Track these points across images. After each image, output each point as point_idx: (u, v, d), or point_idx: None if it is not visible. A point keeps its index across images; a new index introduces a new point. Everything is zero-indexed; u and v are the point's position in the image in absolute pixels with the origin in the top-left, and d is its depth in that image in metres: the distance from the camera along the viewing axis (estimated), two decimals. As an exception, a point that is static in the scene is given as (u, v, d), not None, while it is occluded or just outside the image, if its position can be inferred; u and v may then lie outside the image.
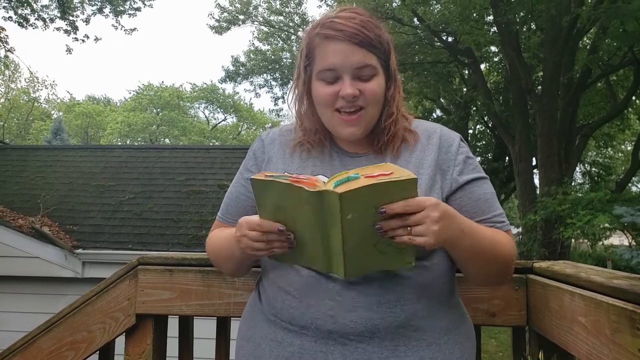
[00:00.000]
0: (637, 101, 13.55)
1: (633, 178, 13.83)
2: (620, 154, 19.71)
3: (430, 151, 1.06)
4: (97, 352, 1.42)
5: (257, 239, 0.90)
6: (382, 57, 1.02)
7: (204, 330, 1.66)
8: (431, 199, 0.84)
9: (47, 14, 11.63)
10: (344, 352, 0.95)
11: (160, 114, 31.35)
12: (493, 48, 13.81)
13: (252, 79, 19.32)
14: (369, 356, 0.94)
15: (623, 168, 17.61)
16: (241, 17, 17.77)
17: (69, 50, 12.17)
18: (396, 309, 0.96)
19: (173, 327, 1.45)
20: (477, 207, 1.03)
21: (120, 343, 1.42)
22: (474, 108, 14.74)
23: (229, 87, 39.59)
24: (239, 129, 34.12)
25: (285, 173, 0.91)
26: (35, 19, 11.51)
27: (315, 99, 1.04)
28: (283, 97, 20.28)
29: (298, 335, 0.99)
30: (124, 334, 1.40)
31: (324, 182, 0.86)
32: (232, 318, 1.43)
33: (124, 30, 12.31)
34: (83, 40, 11.87)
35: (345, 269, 0.87)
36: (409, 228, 0.83)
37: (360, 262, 0.88)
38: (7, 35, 11.34)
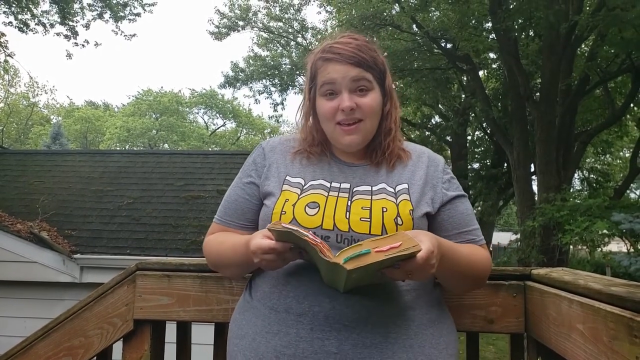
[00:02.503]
0: (635, 108, 13.58)
1: (631, 185, 13.84)
2: (618, 161, 19.72)
3: (420, 168, 1.18)
4: (95, 357, 1.41)
5: (273, 259, 0.99)
6: (377, 75, 1.14)
7: (202, 335, 1.66)
8: (431, 248, 0.92)
9: (47, 19, 11.67)
10: (340, 337, 1.01)
11: (160, 119, 31.38)
12: (492, 55, 13.85)
13: (251, 85, 19.33)
14: (363, 341, 1.01)
15: (621, 175, 17.63)
16: (241, 23, 17.83)
17: (68, 56, 12.23)
18: (390, 298, 1.05)
19: (171, 332, 1.44)
20: (462, 219, 1.16)
21: (117, 349, 1.42)
22: (473, 114, 14.79)
23: (228, 93, 39.70)
24: (238, 134, 34.16)
25: (309, 233, 0.98)
26: (36, 24, 11.55)
27: (319, 114, 1.15)
28: (282, 103, 20.36)
29: (294, 324, 1.03)
30: (122, 339, 1.39)
31: (335, 254, 0.94)
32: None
33: (124, 35, 12.36)
34: (83, 46, 11.91)
35: (345, 289, 0.99)
36: (409, 274, 0.93)
37: (358, 282, 0.99)
38: (7, 40, 11.39)
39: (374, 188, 1.11)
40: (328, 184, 1.12)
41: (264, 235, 0.98)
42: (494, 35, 11.36)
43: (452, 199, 1.16)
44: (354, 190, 1.11)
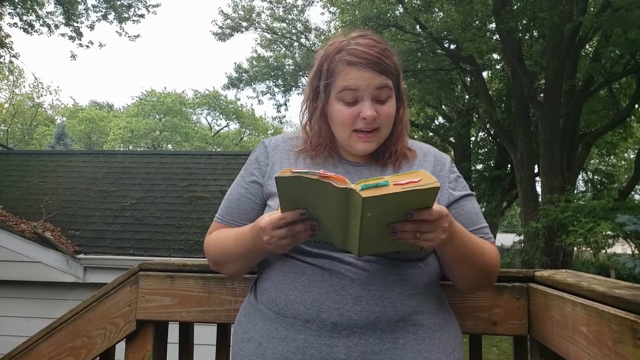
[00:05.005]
0: (640, 109, 13.53)
1: (636, 186, 13.79)
2: (623, 162, 19.67)
3: (426, 168, 1.15)
4: (98, 357, 1.41)
5: (284, 235, 0.94)
6: (395, 81, 1.11)
7: (204, 336, 1.66)
8: (445, 210, 0.91)
9: (52, 20, 11.75)
10: (348, 344, 0.99)
11: (163, 120, 31.48)
12: (495, 56, 13.83)
13: (254, 86, 19.36)
14: (372, 347, 0.99)
15: (626, 176, 17.57)
16: (244, 24, 17.87)
17: (73, 56, 12.26)
18: (397, 303, 1.02)
19: (173, 333, 1.44)
20: (469, 218, 1.13)
21: (120, 349, 1.42)
22: (476, 115, 14.75)
23: (231, 94, 39.76)
24: (241, 135, 34.23)
25: (319, 171, 0.94)
26: (40, 25, 11.62)
27: (334, 118, 1.10)
28: (285, 104, 20.33)
29: (302, 330, 1.01)
30: (125, 340, 1.39)
31: (351, 183, 0.89)
32: (232, 324, 1.42)
33: (128, 36, 12.41)
34: (87, 46, 11.97)
35: (360, 249, 0.93)
36: (418, 234, 0.90)
37: (373, 245, 0.95)
38: (12, 41, 11.44)
39: (381, 177, 1.09)
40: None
41: (271, 214, 0.96)
42: (497, 36, 11.34)
43: (458, 198, 1.14)
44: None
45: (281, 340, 1.02)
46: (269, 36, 19.17)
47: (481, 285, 1.17)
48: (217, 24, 17.58)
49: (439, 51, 13.05)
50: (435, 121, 17.92)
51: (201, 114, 34.22)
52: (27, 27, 11.43)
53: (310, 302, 1.02)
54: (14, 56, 11.87)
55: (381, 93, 1.07)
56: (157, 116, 31.98)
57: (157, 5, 12.43)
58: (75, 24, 11.59)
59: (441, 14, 12.70)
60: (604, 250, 9.35)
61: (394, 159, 1.14)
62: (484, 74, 14.14)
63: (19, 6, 11.08)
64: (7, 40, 11.33)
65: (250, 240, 1.02)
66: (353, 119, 1.07)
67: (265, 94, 19.50)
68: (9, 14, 11.12)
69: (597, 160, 18.21)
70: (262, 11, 18.38)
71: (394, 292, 1.02)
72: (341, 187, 0.84)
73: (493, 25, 11.57)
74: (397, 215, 0.88)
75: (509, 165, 14.55)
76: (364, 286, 1.01)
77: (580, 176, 15.39)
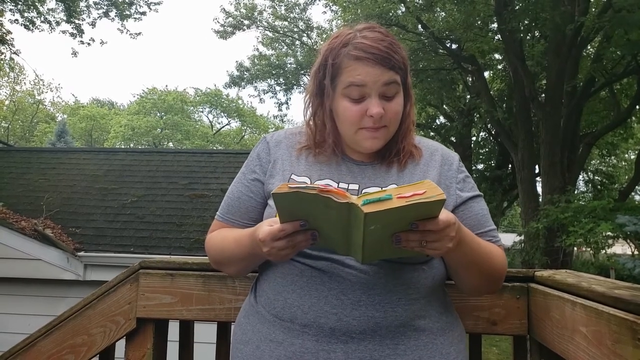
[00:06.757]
0: (641, 110, 13.52)
1: (636, 187, 13.78)
2: (623, 163, 19.66)
3: (433, 167, 1.11)
4: (98, 355, 1.41)
5: (284, 246, 0.91)
6: (403, 76, 1.06)
7: (205, 334, 1.66)
8: (452, 218, 0.88)
9: (53, 17, 11.74)
10: (346, 350, 0.96)
11: (164, 117, 31.48)
12: (497, 56, 13.82)
13: (256, 84, 19.36)
14: (370, 354, 0.96)
15: (626, 177, 17.56)
16: (246, 22, 17.87)
17: (74, 54, 12.26)
18: (398, 308, 0.99)
19: (173, 331, 1.45)
20: (477, 221, 1.09)
21: (120, 347, 1.42)
22: (477, 115, 14.75)
23: (232, 92, 39.73)
24: (242, 133, 34.22)
25: (316, 183, 0.92)
26: (42, 22, 11.62)
27: (340, 115, 1.06)
28: (287, 103, 20.34)
29: (299, 335, 0.99)
30: (125, 337, 1.40)
31: (355, 197, 0.87)
32: (232, 323, 1.42)
33: (129, 34, 12.41)
34: (89, 44, 11.98)
35: (363, 257, 0.90)
36: (424, 242, 0.87)
37: (377, 252, 0.92)
38: (13, 38, 11.44)
39: (384, 190, 1.05)
40: (335, 185, 1.05)
41: (270, 223, 0.93)
42: (499, 36, 11.33)
43: (466, 200, 1.10)
44: (362, 192, 1.04)
45: (278, 345, 1.00)
46: (270, 34, 19.17)
47: (488, 289, 1.14)
48: (218, 22, 17.61)
49: (440, 51, 13.03)
50: (437, 121, 17.92)
51: (202, 112, 34.23)
52: (28, 23, 11.43)
53: (308, 306, 0.99)
54: (14, 53, 11.88)
55: (389, 89, 1.02)
56: (158, 114, 31.97)
57: (158, 3, 12.43)
58: (76, 21, 11.59)
59: (443, 13, 12.68)
60: (604, 251, 9.36)
61: (400, 157, 1.09)
62: (486, 74, 14.13)
63: (20, 3, 11.08)
64: (8, 37, 11.33)
65: (249, 246, 1.00)
66: (360, 116, 1.02)
67: (267, 92, 19.53)
68: (10, 10, 11.13)
69: (598, 161, 18.21)
70: (264, 9, 18.42)
71: (395, 297, 0.99)
72: (342, 202, 0.82)
73: (495, 25, 11.56)
74: (402, 225, 0.85)
75: (510, 165, 14.56)
76: (364, 290, 0.98)
77: (580, 177, 15.39)
